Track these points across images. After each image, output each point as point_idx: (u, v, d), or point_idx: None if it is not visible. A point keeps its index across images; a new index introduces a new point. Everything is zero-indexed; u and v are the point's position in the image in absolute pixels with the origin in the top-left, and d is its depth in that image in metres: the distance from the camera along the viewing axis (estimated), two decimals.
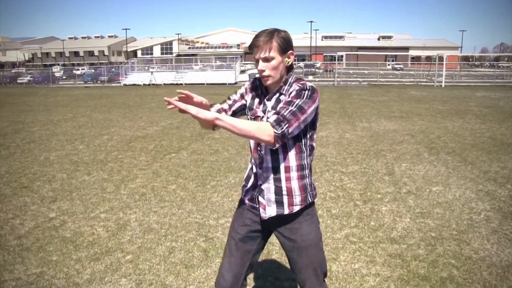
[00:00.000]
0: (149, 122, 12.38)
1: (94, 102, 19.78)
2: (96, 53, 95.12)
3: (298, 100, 1.93)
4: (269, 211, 2.10)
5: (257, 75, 2.12)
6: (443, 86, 29.93)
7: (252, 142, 2.14)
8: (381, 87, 29.23)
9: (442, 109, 15.17)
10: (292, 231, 2.12)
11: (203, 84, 34.74)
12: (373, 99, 19.43)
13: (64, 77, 50.97)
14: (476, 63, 68.09)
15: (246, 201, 2.20)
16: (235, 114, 2.17)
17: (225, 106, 2.18)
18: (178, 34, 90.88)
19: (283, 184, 2.07)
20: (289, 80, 2.05)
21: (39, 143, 9.27)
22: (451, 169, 6.61)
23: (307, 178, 2.11)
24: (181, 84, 35.49)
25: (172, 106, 1.76)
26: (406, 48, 74.69)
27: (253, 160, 2.18)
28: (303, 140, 2.05)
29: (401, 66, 58.58)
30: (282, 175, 2.06)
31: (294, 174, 2.06)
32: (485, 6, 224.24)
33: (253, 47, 1.99)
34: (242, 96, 2.19)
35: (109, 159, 7.59)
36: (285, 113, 1.89)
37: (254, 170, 2.15)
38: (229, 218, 4.64)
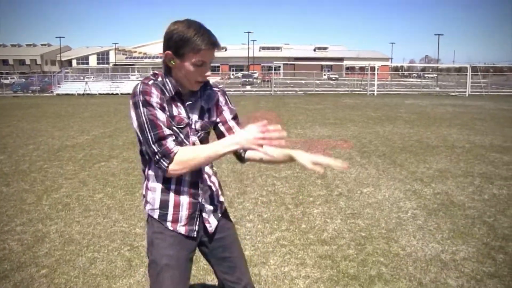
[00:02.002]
0: (79, 132, 11.80)
1: (22, 112, 18.64)
2: (27, 62, 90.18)
3: (232, 105, 1.95)
4: (212, 222, 1.91)
5: (154, 77, 1.76)
6: (375, 94, 31.31)
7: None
8: (317, 96, 29.98)
9: (374, 115, 15.75)
10: (220, 229, 1.95)
11: None
12: (309, 107, 19.82)
13: None
14: (405, 73, 71.83)
15: (181, 231, 1.84)
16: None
17: (174, 136, 1.72)
18: (115, 43, 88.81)
19: (214, 180, 1.96)
20: None
21: None
22: (382, 171, 6.80)
23: None
24: (117, 94, 34.44)
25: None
26: (341, 59, 77.29)
27: (189, 190, 1.85)
28: None
29: (336, 76, 60.44)
30: (209, 169, 1.94)
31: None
32: (411, 20, 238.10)
33: (216, 46, 1.69)
34: (164, 109, 1.72)
35: (32, 169, 7.10)
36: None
37: (188, 199, 1.84)
38: None
